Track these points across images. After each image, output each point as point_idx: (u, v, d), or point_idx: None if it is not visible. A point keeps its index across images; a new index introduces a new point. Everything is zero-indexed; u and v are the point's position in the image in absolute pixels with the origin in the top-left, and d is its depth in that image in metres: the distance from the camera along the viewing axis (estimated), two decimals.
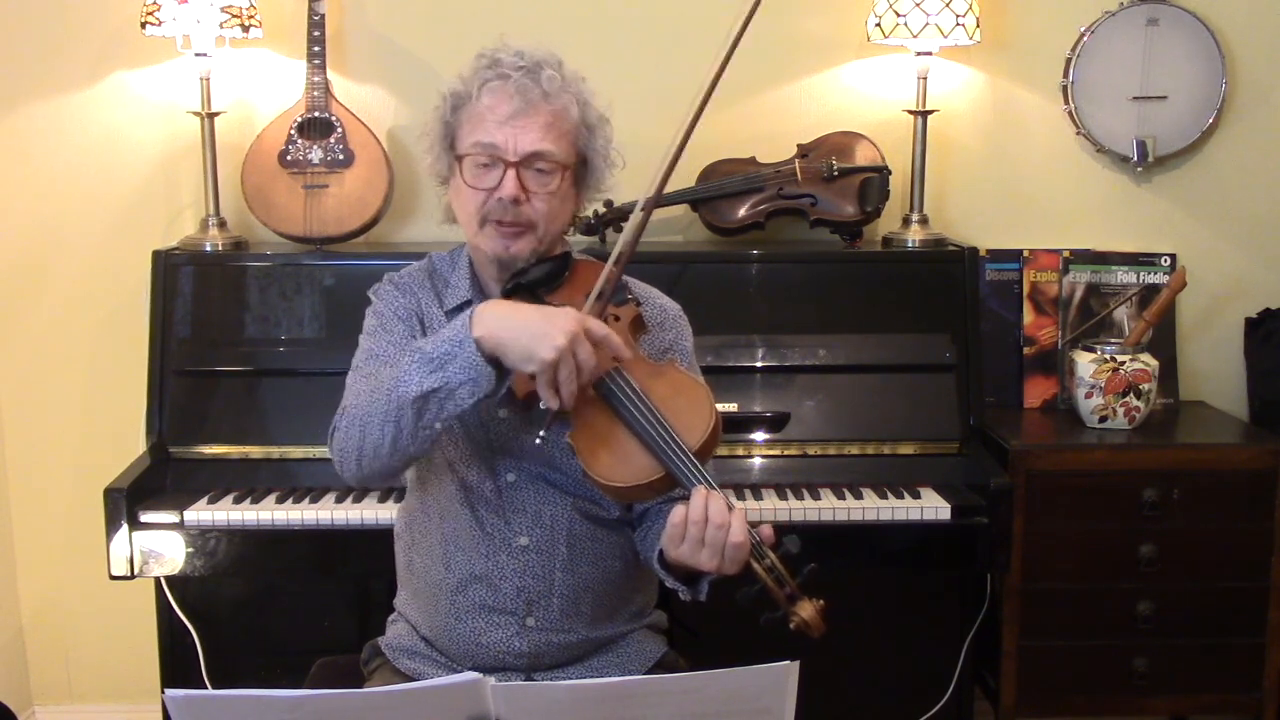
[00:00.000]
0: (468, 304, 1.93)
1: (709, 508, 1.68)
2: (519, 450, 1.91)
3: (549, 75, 1.87)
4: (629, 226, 1.95)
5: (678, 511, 1.69)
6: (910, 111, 2.92)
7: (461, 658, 1.93)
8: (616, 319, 1.87)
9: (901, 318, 2.77)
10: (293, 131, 2.84)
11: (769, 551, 1.69)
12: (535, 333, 1.70)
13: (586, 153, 1.93)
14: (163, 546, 2.49)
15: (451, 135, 1.92)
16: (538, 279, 1.89)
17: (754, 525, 1.72)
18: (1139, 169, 3.05)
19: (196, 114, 2.86)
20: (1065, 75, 3.01)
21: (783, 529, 2.47)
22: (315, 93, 2.83)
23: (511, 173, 1.85)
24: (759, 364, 2.72)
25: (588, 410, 1.79)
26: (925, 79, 2.88)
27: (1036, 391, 3.02)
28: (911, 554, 2.57)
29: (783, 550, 1.69)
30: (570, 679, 1.89)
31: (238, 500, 2.55)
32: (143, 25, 2.76)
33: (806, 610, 1.65)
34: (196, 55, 2.80)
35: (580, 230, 2.79)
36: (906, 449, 2.70)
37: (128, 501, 2.47)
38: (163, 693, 1.63)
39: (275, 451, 2.66)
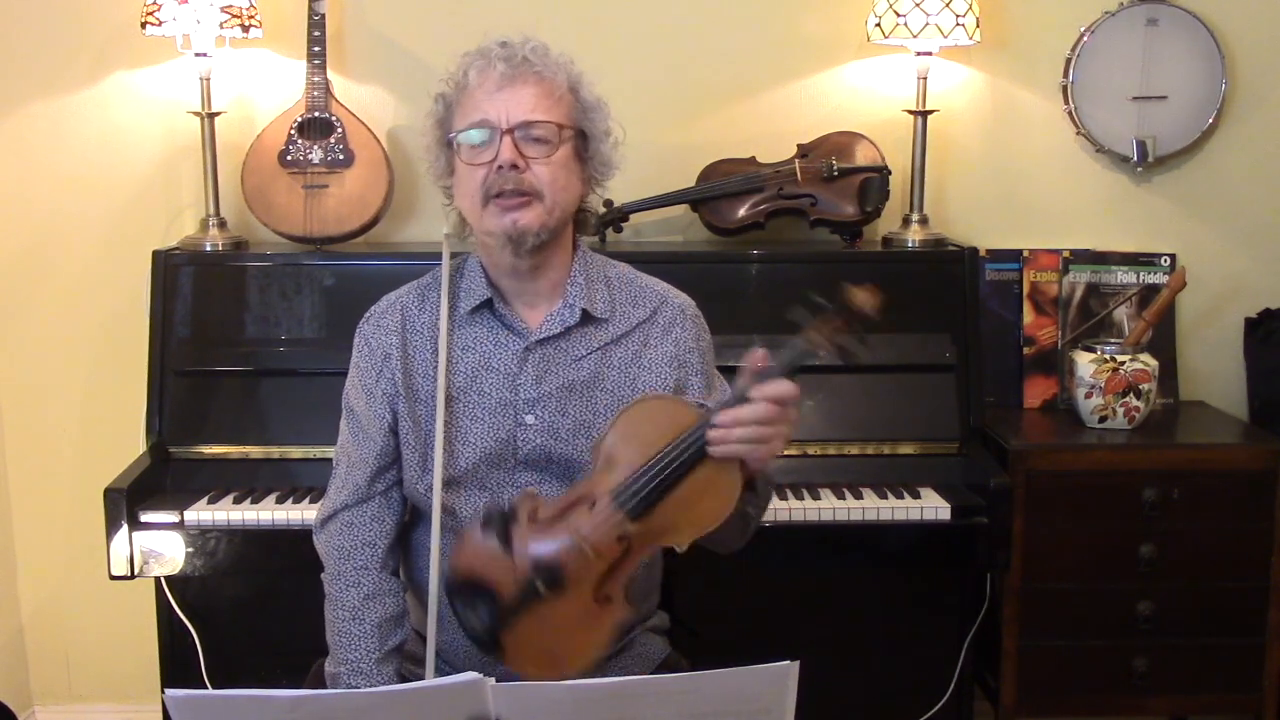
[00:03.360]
0: (488, 303, 1.91)
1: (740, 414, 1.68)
2: (544, 459, 1.89)
3: (532, 46, 1.85)
4: None
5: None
6: (910, 111, 2.92)
7: (466, 670, 1.91)
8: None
9: (901, 318, 2.76)
10: (293, 131, 2.84)
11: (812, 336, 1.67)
12: None
13: (584, 126, 1.89)
14: (163, 546, 2.49)
15: (448, 129, 1.88)
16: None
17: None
18: (1139, 169, 3.05)
19: (196, 114, 2.86)
20: (1065, 75, 3.01)
21: (783, 530, 2.50)
22: (315, 93, 2.83)
23: (507, 139, 1.80)
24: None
25: None
26: (925, 79, 2.88)
27: (1036, 391, 3.02)
28: (911, 554, 2.57)
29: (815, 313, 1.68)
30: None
31: (238, 500, 2.55)
32: (143, 25, 2.76)
33: (858, 297, 1.65)
34: (196, 55, 2.80)
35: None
36: (906, 449, 2.69)
37: (128, 501, 2.47)
38: (163, 693, 1.63)
39: (275, 451, 2.66)
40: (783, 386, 1.68)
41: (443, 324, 1.90)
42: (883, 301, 1.65)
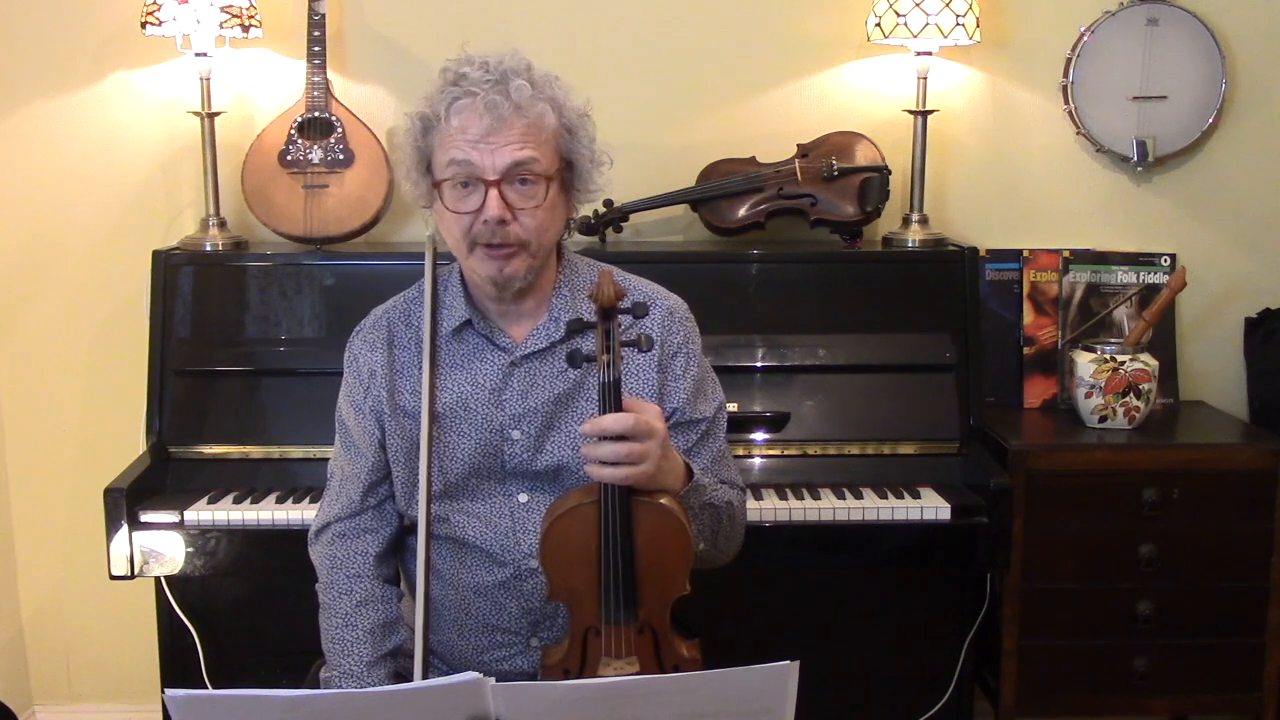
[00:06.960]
0: (467, 324, 1.91)
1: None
2: (532, 471, 1.90)
3: (518, 85, 1.77)
4: None
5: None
6: (910, 111, 2.92)
7: (464, 670, 1.92)
8: None
9: (901, 318, 2.77)
10: (293, 131, 2.84)
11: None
12: None
13: (570, 156, 1.85)
14: (163, 546, 2.49)
15: (426, 160, 1.84)
16: None
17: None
18: (1139, 169, 3.05)
19: (196, 114, 2.86)
20: (1065, 75, 3.01)
21: (784, 530, 2.50)
22: (315, 93, 2.83)
23: (494, 192, 1.76)
24: (759, 364, 2.72)
25: None
26: (925, 79, 2.88)
27: (1036, 391, 3.02)
28: (911, 554, 2.57)
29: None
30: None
31: (238, 500, 2.55)
32: (143, 25, 2.76)
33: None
34: (196, 55, 2.80)
35: (580, 230, 2.79)
36: (906, 449, 2.69)
37: (128, 501, 2.47)
38: (163, 693, 1.63)
39: (275, 451, 2.66)
40: (627, 400, 1.71)
41: (426, 338, 1.90)
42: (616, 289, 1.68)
